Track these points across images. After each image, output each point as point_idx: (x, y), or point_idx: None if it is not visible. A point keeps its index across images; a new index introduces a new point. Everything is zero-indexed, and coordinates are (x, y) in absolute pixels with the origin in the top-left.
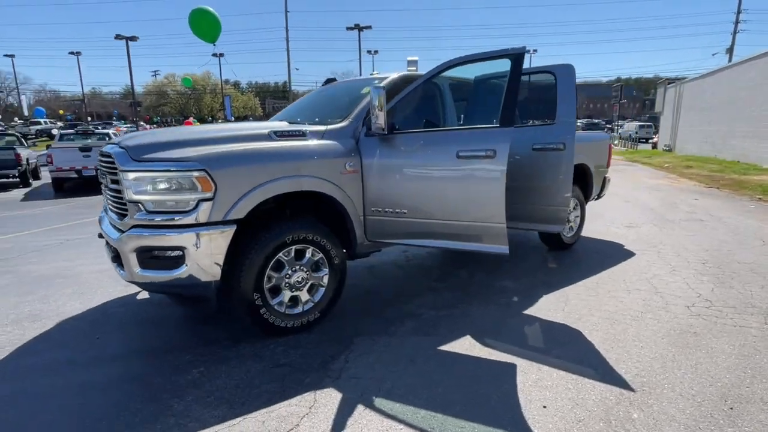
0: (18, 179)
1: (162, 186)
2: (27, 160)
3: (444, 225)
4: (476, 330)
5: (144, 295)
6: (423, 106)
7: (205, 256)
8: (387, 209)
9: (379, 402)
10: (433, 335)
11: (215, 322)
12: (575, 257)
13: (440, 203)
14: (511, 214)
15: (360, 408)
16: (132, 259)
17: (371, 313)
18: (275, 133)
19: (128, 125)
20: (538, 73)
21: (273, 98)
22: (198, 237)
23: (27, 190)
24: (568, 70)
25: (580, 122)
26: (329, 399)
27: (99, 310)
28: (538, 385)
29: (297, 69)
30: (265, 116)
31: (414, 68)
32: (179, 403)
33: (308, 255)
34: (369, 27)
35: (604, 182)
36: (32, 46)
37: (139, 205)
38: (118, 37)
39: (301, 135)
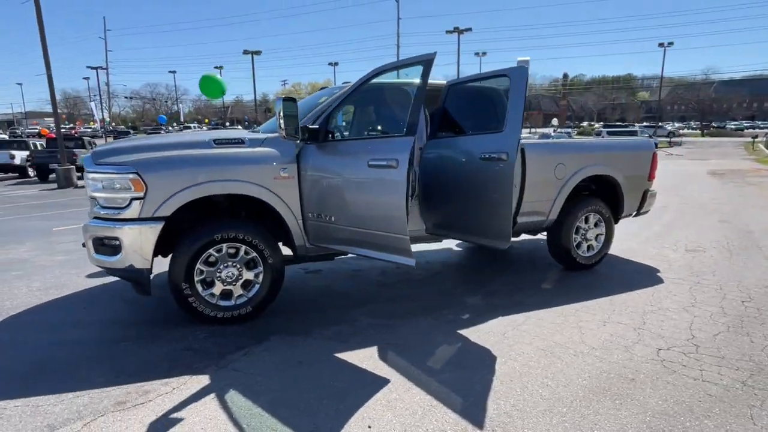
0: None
1: (107, 185)
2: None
3: (362, 233)
4: (393, 342)
5: None
6: (360, 114)
7: (137, 246)
8: (320, 215)
9: (230, 395)
10: (347, 342)
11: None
12: (584, 280)
13: (357, 212)
14: (460, 226)
15: (208, 398)
16: (89, 245)
17: (313, 314)
18: (214, 141)
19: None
20: (498, 77)
21: None
22: (130, 230)
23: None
24: (520, 72)
25: (599, 127)
26: (195, 384)
27: (100, 288)
28: (388, 405)
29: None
30: None
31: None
32: (91, 368)
33: (242, 253)
34: (469, 29)
35: (645, 196)
36: (189, 63)
37: (95, 200)
38: (245, 52)
39: (240, 142)
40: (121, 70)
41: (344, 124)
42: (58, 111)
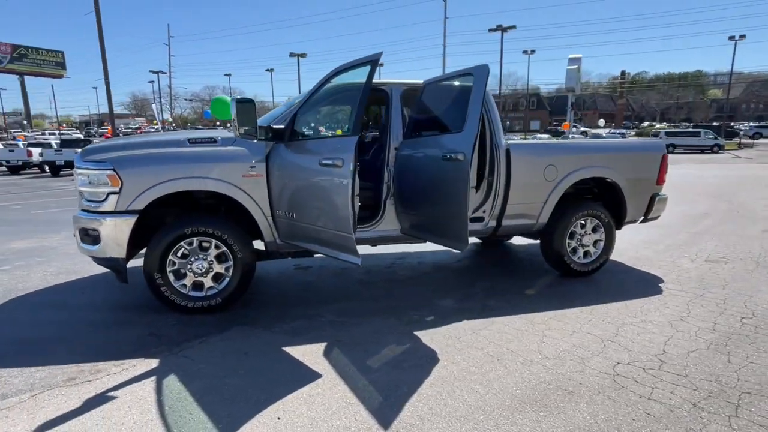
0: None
1: (89, 180)
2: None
3: (317, 231)
4: (344, 340)
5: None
6: (324, 114)
7: (113, 237)
8: (286, 212)
9: (168, 379)
10: (301, 336)
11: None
12: (576, 287)
13: (312, 210)
14: (426, 227)
15: (148, 380)
16: (77, 234)
17: (283, 308)
18: (189, 140)
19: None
20: (463, 76)
21: None
22: (108, 222)
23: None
24: (482, 70)
25: (601, 130)
26: (143, 367)
27: (103, 275)
28: (307, 399)
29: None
30: None
31: (575, 66)
32: (61, 346)
33: (212, 247)
34: (513, 27)
35: (653, 202)
36: (243, 66)
37: (82, 194)
38: (292, 54)
39: (212, 141)
40: (183, 74)
41: (314, 125)
42: (129, 112)
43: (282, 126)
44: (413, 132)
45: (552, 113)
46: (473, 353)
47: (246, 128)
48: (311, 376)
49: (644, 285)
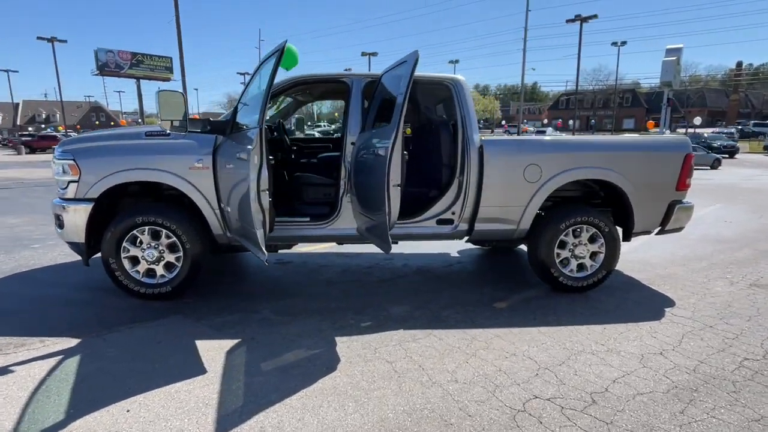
0: None
1: (59, 170)
2: None
3: (239, 224)
4: (258, 339)
5: None
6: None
7: (72, 223)
8: (225, 206)
9: (71, 360)
10: (219, 331)
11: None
12: (559, 304)
13: (234, 203)
14: (366, 227)
15: (53, 359)
16: (54, 220)
17: (230, 301)
18: (146, 133)
19: None
20: (402, 64)
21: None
22: (69, 208)
23: None
24: (411, 57)
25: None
26: (60, 345)
27: None
28: (171, 395)
29: (533, 69)
30: (507, 120)
31: (674, 57)
32: (12, 319)
33: (163, 237)
34: (594, 16)
35: (671, 210)
36: (322, 67)
37: (57, 182)
38: (363, 54)
39: (166, 134)
40: None
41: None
42: (225, 111)
43: (221, 119)
44: (366, 126)
45: (649, 111)
46: (378, 366)
47: (167, 120)
48: (197, 371)
49: (646, 308)
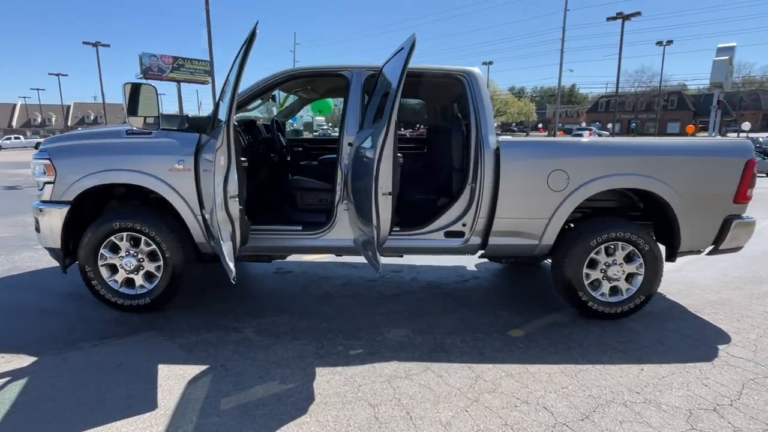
0: None
1: (35, 170)
2: None
3: (215, 231)
4: (230, 366)
5: None
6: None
7: (48, 227)
8: (207, 213)
9: (14, 384)
10: (194, 353)
11: None
12: (587, 334)
13: (210, 209)
14: (358, 237)
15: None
16: (34, 223)
17: (212, 316)
18: (127, 131)
19: None
20: (400, 52)
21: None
22: (44, 211)
23: None
24: (407, 43)
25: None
26: (15, 363)
27: None
28: (106, 427)
29: (571, 70)
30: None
31: (726, 57)
32: None
33: (142, 244)
34: (637, 14)
35: (727, 226)
36: None
37: (36, 183)
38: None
39: (147, 133)
40: None
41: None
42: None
43: (204, 116)
44: (365, 124)
45: (696, 114)
46: (357, 411)
47: (136, 117)
48: (146, 407)
49: (694, 343)
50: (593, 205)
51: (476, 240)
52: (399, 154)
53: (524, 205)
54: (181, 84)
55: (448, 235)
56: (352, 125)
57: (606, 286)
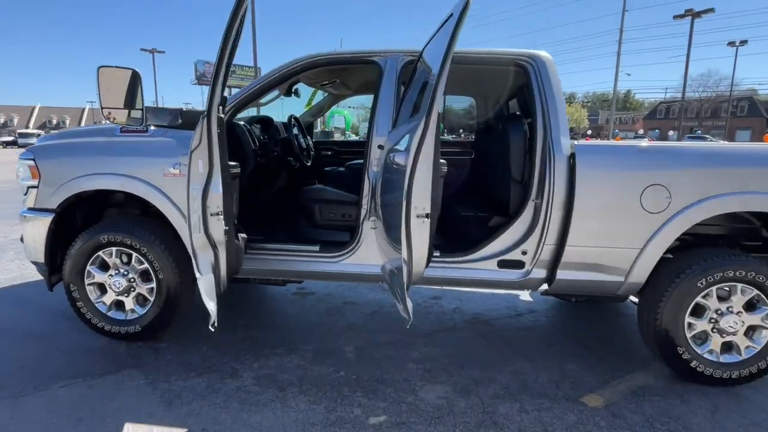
0: None
1: (21, 172)
2: None
3: None
4: (216, 428)
5: None
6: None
7: (31, 238)
8: None
9: None
10: (176, 407)
11: None
12: (689, 405)
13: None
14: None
15: None
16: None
17: (207, 352)
18: (121, 128)
19: None
20: (447, 22)
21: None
22: (27, 219)
23: None
24: (457, 8)
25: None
26: None
27: None
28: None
29: (628, 74)
30: (596, 130)
31: None
32: None
33: (134, 262)
34: (710, 10)
35: None
36: None
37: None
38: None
39: (143, 131)
40: None
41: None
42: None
43: (200, 111)
44: (399, 122)
45: None
46: None
47: (111, 109)
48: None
49: None
50: (695, 230)
51: (540, 273)
52: (443, 161)
53: (607, 231)
54: (232, 89)
55: (503, 264)
56: (384, 124)
57: (716, 341)
